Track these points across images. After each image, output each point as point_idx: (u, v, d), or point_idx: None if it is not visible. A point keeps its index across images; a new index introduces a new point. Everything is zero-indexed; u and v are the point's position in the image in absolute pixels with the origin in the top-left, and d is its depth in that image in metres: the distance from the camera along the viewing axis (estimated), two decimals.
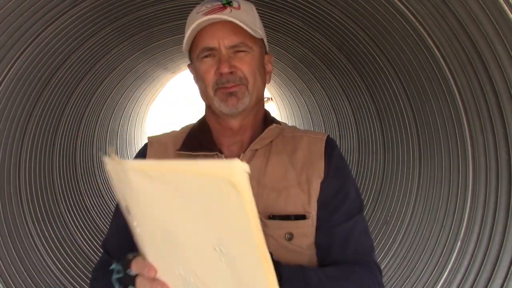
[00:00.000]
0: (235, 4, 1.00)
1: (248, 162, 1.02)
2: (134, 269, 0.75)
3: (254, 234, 0.55)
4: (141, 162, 0.62)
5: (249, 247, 0.57)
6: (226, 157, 1.03)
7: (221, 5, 0.99)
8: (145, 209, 0.66)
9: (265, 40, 1.07)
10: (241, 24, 0.95)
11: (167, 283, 0.71)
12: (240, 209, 0.53)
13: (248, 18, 1.00)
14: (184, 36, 1.01)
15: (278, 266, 0.81)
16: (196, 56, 1.01)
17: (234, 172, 0.51)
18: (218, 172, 0.52)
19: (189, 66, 1.11)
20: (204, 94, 1.03)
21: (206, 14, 0.97)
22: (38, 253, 2.97)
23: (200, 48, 0.99)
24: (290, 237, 0.98)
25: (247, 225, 0.54)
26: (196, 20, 0.97)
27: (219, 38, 0.97)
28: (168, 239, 0.65)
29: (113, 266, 0.81)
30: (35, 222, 3.06)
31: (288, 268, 0.84)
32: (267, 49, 1.10)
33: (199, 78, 1.03)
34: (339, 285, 0.91)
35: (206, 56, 1.00)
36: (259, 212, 0.97)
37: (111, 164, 0.64)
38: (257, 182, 1.00)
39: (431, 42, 2.21)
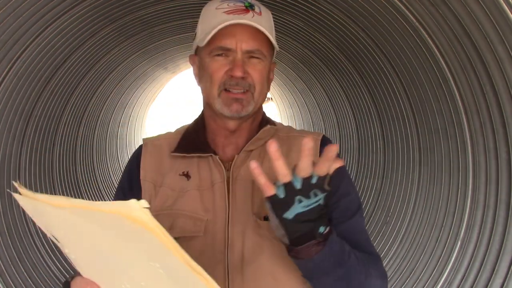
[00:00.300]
0: (257, 9, 0.99)
1: (243, 163, 1.02)
2: None
3: (176, 255, 0.58)
4: (51, 198, 0.62)
5: (178, 264, 0.59)
6: (221, 158, 1.02)
7: (244, 7, 0.98)
8: (72, 236, 0.67)
9: (276, 51, 1.07)
10: (266, 33, 0.95)
11: None
12: (153, 239, 0.57)
13: (268, 26, 1.00)
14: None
15: (328, 238, 0.80)
16: (209, 52, 0.99)
17: (133, 212, 0.54)
18: (121, 212, 0.55)
19: (191, 57, 1.09)
20: (207, 92, 1.02)
21: (228, 13, 0.96)
22: (38, 253, 2.97)
23: (215, 45, 0.97)
24: None
25: (167, 250, 0.58)
26: (217, 18, 0.96)
27: (237, 41, 0.96)
28: (105, 260, 0.67)
29: None
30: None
31: (335, 244, 0.83)
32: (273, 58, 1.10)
33: (206, 75, 1.01)
34: (365, 268, 0.90)
35: (218, 55, 0.98)
36: (254, 213, 0.97)
37: (22, 200, 0.65)
38: (252, 183, 0.99)
39: (431, 42, 2.21)
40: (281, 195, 0.75)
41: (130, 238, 0.60)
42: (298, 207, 0.75)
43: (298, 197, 0.74)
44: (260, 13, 0.99)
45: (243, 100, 0.98)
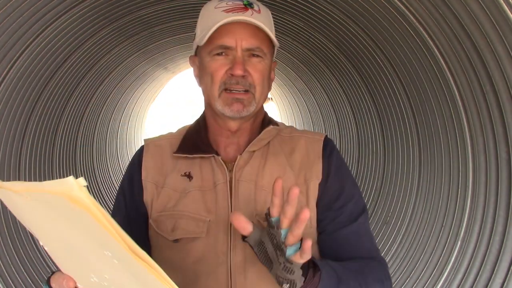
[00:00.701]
0: (255, 7, 0.99)
1: (246, 163, 1.02)
2: (53, 285, 0.75)
3: (115, 237, 0.56)
4: (13, 184, 0.61)
5: (119, 247, 0.57)
6: (223, 159, 1.02)
7: (243, 5, 0.97)
8: (40, 225, 0.66)
9: (276, 49, 1.06)
10: (266, 30, 0.94)
11: None
12: (90, 218, 0.55)
13: (268, 25, 0.99)
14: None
15: (321, 269, 0.81)
16: (208, 52, 0.98)
17: (72, 191, 0.52)
18: (59, 192, 0.53)
19: (191, 58, 1.09)
20: (208, 92, 1.01)
21: (227, 11, 0.96)
22: (38, 253, 2.97)
23: (215, 44, 0.97)
24: None
25: (105, 231, 0.56)
26: (216, 16, 0.96)
27: (237, 38, 0.95)
28: (70, 249, 0.66)
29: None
30: None
31: (328, 269, 0.84)
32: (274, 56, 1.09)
33: (206, 75, 1.00)
34: (360, 278, 0.91)
35: (218, 54, 0.97)
36: (257, 214, 0.97)
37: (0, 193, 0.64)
38: (254, 184, 1.00)
39: (431, 42, 2.21)
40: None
41: (76, 221, 0.58)
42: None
43: None
44: (259, 11, 0.99)
45: (244, 100, 0.97)
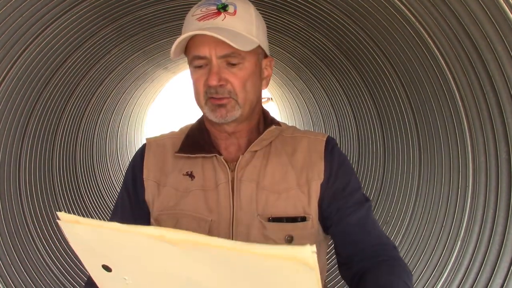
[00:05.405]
0: (230, 9, 0.95)
1: (247, 163, 1.02)
2: None
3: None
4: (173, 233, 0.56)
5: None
6: (225, 158, 1.02)
7: (216, 11, 0.94)
8: (145, 263, 0.62)
9: (264, 45, 1.02)
10: (226, 40, 0.88)
11: None
12: (308, 281, 0.51)
13: (242, 26, 0.95)
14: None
15: None
16: (190, 62, 0.98)
17: (307, 255, 0.50)
18: (290, 256, 0.50)
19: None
20: (196, 101, 1.02)
21: (200, 19, 0.94)
22: (38, 253, 2.97)
23: (191, 55, 0.96)
24: (290, 239, 0.98)
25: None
26: (190, 26, 0.95)
27: (210, 47, 0.93)
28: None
29: None
30: (35, 222, 3.05)
31: None
32: (267, 52, 1.05)
33: (192, 84, 1.01)
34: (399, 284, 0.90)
35: (198, 66, 0.96)
36: (258, 214, 0.97)
37: (78, 228, 0.59)
38: (256, 184, 1.00)
39: (431, 42, 2.21)
40: None
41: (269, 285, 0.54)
42: None
43: None
44: (234, 13, 0.95)
45: (226, 105, 0.96)
